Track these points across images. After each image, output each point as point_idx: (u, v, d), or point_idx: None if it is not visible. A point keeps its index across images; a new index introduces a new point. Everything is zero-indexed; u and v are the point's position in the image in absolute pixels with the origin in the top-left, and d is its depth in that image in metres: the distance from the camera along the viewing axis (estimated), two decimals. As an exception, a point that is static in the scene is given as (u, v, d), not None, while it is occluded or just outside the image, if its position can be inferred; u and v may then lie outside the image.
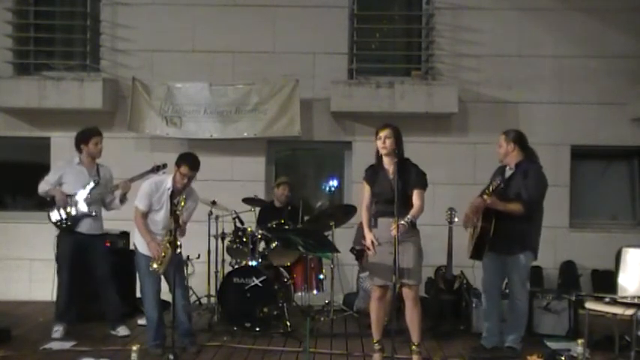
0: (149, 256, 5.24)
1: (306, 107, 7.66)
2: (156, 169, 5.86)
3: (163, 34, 7.79)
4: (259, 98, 7.57)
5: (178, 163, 5.24)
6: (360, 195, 5.16)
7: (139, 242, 5.37)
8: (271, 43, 7.80)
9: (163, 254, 5.12)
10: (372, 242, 4.88)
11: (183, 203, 4.98)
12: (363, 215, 5.06)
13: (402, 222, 4.71)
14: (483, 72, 7.79)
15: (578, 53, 7.78)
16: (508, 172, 5.43)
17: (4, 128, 7.86)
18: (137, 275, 5.54)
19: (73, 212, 5.86)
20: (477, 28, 7.78)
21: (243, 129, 7.57)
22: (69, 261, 5.93)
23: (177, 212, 4.97)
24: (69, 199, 5.87)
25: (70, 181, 5.92)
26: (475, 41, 7.76)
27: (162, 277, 5.33)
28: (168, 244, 5.09)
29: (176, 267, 5.25)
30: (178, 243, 5.09)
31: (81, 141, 5.98)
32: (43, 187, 5.97)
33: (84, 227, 5.92)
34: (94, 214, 5.93)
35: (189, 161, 5.22)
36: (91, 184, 5.91)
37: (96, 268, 6.00)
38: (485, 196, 5.21)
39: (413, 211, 4.84)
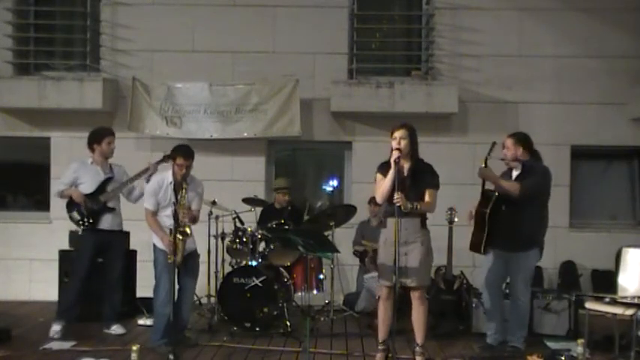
0: (166, 252, 5.34)
1: (306, 107, 7.66)
2: (167, 159, 5.89)
3: (163, 34, 7.79)
4: (259, 98, 7.57)
5: (173, 156, 5.46)
6: (376, 185, 4.96)
7: (156, 239, 5.49)
8: (271, 43, 7.80)
9: (175, 245, 5.21)
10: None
11: (184, 191, 5.21)
12: (383, 186, 4.84)
13: (401, 195, 4.63)
14: (483, 72, 7.79)
15: (578, 53, 7.78)
16: (515, 173, 5.43)
17: (4, 128, 7.86)
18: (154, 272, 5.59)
19: (95, 207, 5.89)
20: (477, 28, 7.78)
21: (243, 129, 7.58)
22: (88, 260, 5.94)
23: (182, 202, 5.18)
24: (87, 198, 5.88)
25: (86, 181, 5.95)
26: (475, 41, 7.77)
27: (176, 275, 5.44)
28: (178, 235, 5.19)
29: (187, 265, 5.45)
30: (188, 231, 5.23)
31: (94, 141, 6.01)
32: (58, 187, 6.00)
33: (105, 223, 5.96)
34: (114, 208, 5.98)
35: (182, 151, 5.44)
36: (102, 178, 5.95)
37: (110, 269, 6.05)
38: (482, 166, 5.17)
39: (422, 203, 4.82)
